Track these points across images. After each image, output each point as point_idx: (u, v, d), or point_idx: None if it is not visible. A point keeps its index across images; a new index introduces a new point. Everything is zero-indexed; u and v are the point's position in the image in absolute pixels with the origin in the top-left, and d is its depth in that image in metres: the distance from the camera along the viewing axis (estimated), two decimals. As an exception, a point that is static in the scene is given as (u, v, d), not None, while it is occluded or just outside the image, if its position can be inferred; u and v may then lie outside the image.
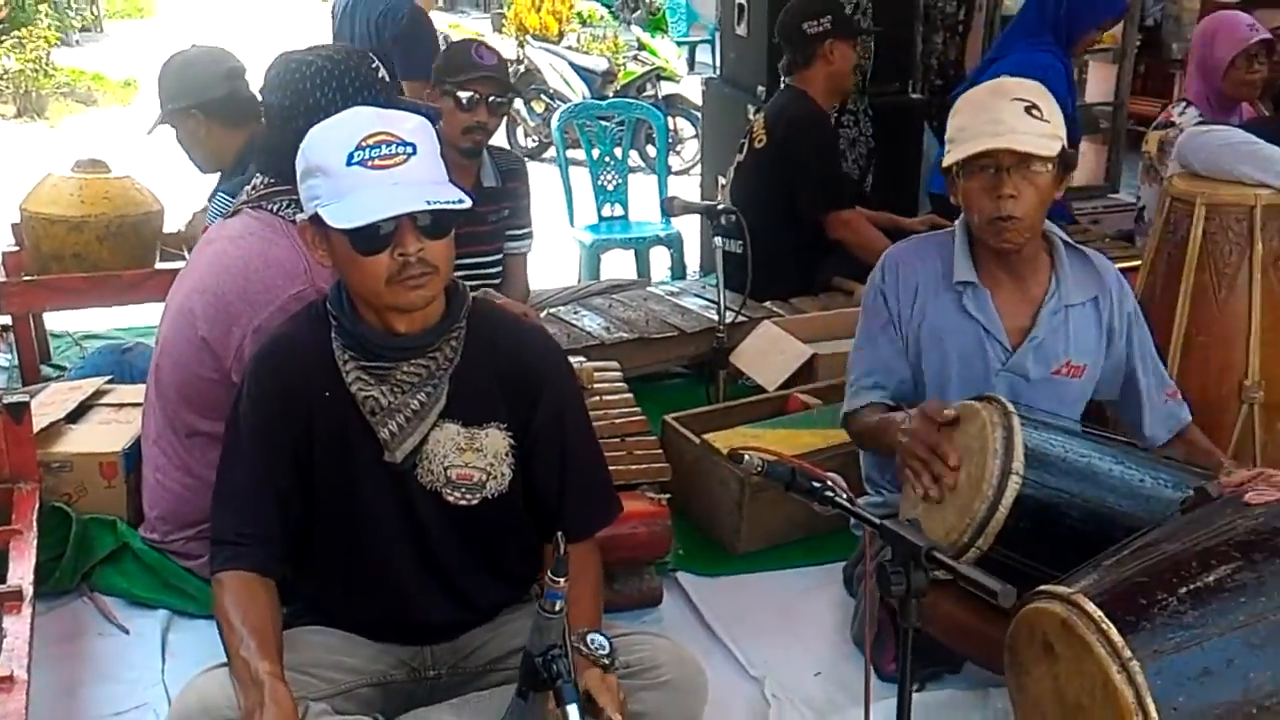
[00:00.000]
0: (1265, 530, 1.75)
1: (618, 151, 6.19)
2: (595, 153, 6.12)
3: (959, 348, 2.47)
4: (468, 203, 1.88)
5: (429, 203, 1.84)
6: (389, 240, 1.87)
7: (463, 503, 2.06)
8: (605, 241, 5.76)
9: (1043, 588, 1.78)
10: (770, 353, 3.55)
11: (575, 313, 3.74)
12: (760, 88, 5.01)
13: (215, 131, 3.31)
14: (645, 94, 10.19)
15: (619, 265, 5.97)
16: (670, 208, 3.60)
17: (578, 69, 10.57)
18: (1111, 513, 2.11)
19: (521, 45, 11.30)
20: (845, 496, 1.96)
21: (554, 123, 6.14)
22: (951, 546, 2.08)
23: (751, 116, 4.53)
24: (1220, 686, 1.63)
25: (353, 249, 1.89)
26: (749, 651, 2.56)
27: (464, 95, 3.51)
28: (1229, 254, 2.84)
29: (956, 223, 2.52)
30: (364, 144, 1.87)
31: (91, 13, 20.20)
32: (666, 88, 10.05)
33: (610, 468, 2.68)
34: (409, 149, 1.88)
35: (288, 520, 2.04)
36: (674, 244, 5.65)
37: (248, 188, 2.61)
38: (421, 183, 1.87)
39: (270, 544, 2.03)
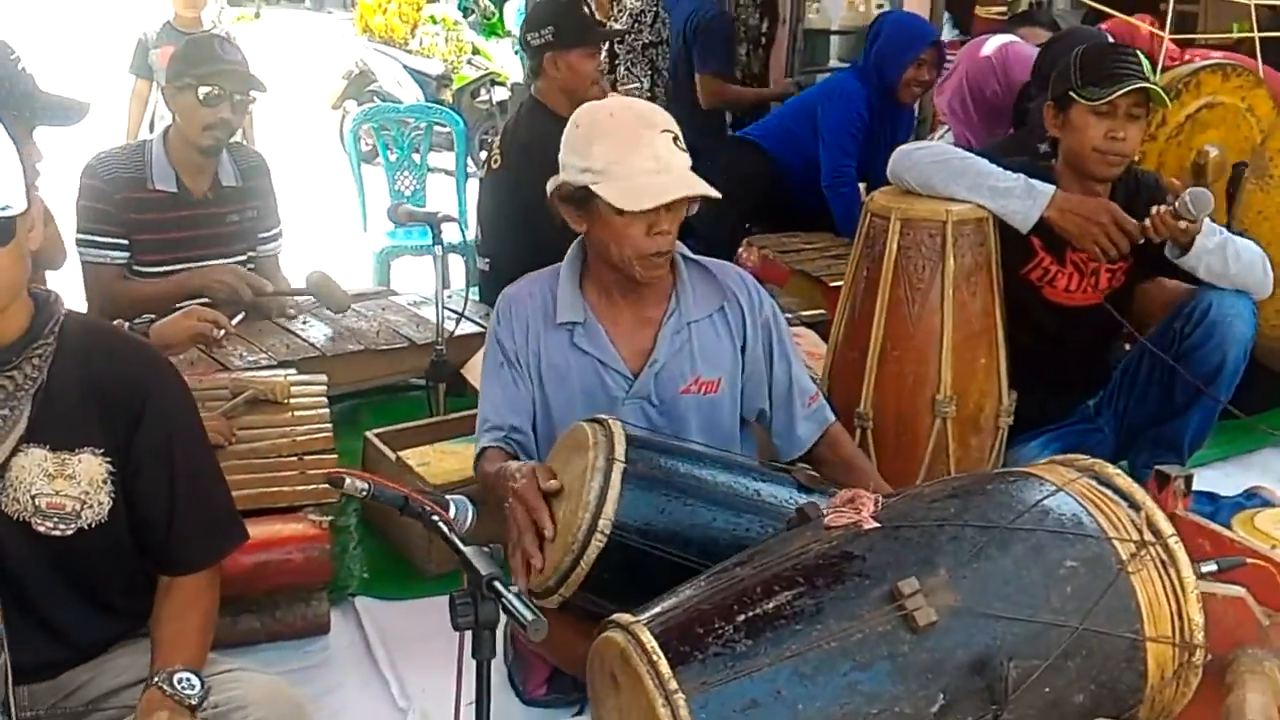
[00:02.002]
0: (834, 555, 1.71)
1: (416, 157, 6.09)
2: (393, 156, 6.01)
3: (580, 383, 2.42)
4: (15, 208, 1.75)
5: None
6: None
7: (55, 533, 1.91)
8: (396, 249, 5.63)
9: (613, 616, 1.71)
10: (498, 365, 3.46)
11: (304, 323, 3.60)
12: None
13: None
14: (480, 99, 10.10)
15: (414, 273, 5.85)
16: (395, 215, 3.49)
17: (412, 72, 10.41)
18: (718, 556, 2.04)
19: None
20: (448, 525, 1.89)
21: (347, 126, 6.01)
22: (541, 585, 2.05)
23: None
24: (767, 719, 1.57)
25: None
26: (407, 681, 2.46)
27: (205, 90, 3.36)
28: (922, 269, 2.84)
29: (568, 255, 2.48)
30: None
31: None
32: (500, 93, 9.95)
33: (277, 489, 2.62)
34: None
35: None
36: (469, 252, 5.53)
37: None
38: None
39: None
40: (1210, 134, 3.92)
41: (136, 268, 3.47)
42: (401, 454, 2.91)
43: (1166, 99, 3.05)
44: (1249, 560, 2.17)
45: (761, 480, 2.27)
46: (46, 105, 2.40)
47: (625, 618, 1.69)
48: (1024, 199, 2.87)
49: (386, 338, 3.57)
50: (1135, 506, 1.79)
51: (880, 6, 7.91)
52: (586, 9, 3.92)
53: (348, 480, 1.92)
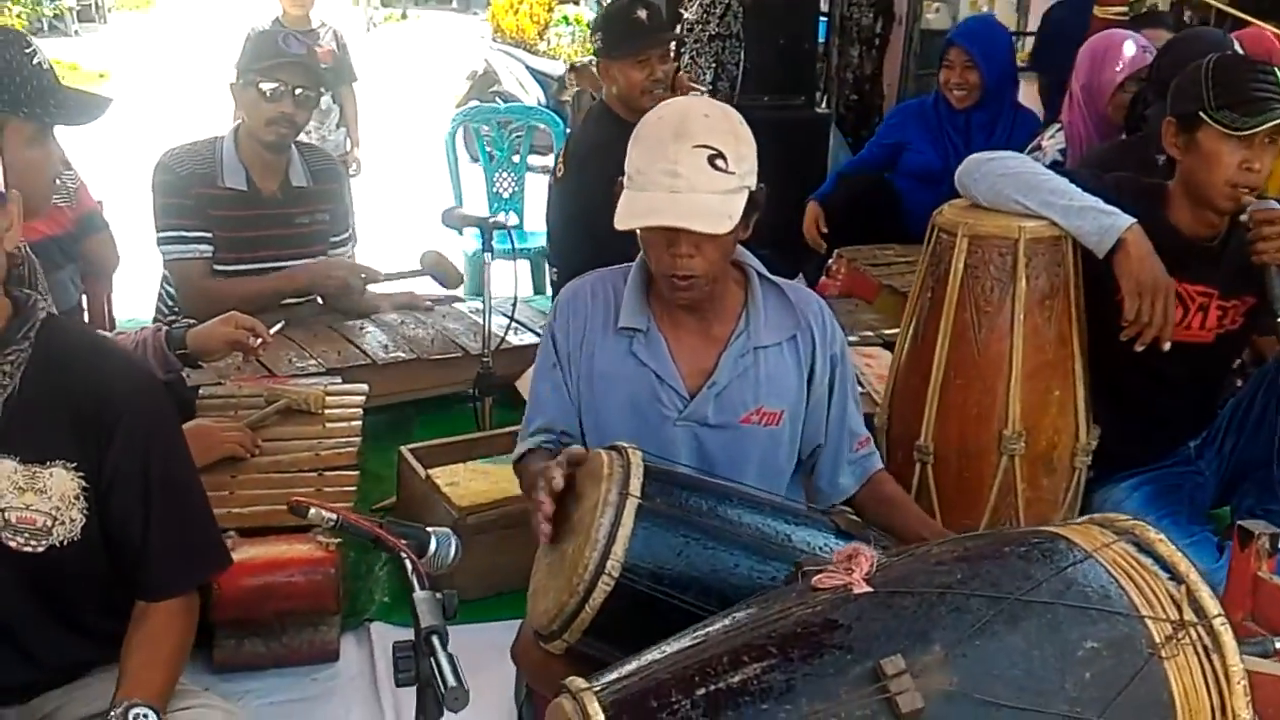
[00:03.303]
0: (815, 623, 1.50)
1: (516, 159, 6.01)
2: (492, 158, 5.95)
3: (631, 395, 2.22)
4: None
5: None
6: None
7: (26, 549, 1.83)
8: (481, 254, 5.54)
9: (568, 680, 1.54)
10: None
11: (360, 329, 3.52)
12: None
13: None
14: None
15: (508, 277, 5.76)
16: (450, 219, 3.38)
17: (535, 73, 10.41)
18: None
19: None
20: (415, 566, 1.76)
21: (447, 129, 5.96)
22: (545, 629, 1.89)
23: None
24: (719, 810, 1.39)
25: None
26: (408, 716, 2.33)
27: (268, 86, 3.34)
28: (991, 291, 2.59)
29: (639, 257, 2.28)
30: None
31: (96, 4, 20.51)
32: (620, 93, 9.85)
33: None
34: None
35: None
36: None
37: None
38: None
39: None
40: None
41: (215, 266, 3.44)
42: (432, 472, 2.79)
43: None
44: (1334, 637, 1.90)
45: (794, 524, 2.07)
46: (64, 102, 2.33)
47: (578, 683, 1.51)
48: (1097, 223, 2.58)
49: (441, 347, 3.47)
50: (1177, 579, 1.54)
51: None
52: (641, 14, 3.72)
53: (312, 510, 1.81)
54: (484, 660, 2.43)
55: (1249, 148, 2.57)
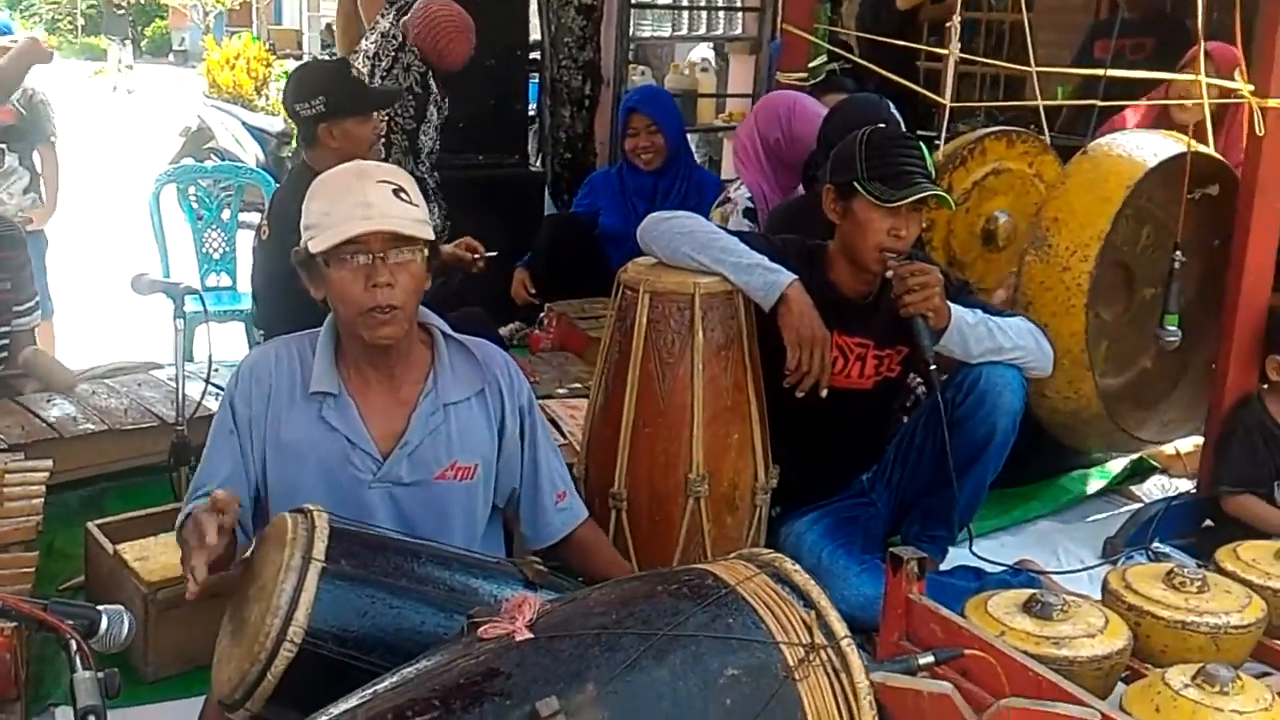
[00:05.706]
0: (477, 673, 1.57)
1: (226, 216, 5.89)
2: (200, 218, 5.80)
3: (322, 461, 2.26)
4: None
5: None
6: None
7: None
8: (196, 315, 5.38)
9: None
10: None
11: (48, 401, 3.38)
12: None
13: None
14: (322, 157, 9.90)
15: (221, 341, 5.62)
16: (138, 286, 3.29)
17: (252, 130, 10.20)
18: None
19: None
20: (79, 645, 1.72)
21: (151, 188, 5.77)
22: (229, 699, 1.89)
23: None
24: None
25: None
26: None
27: None
28: (672, 343, 2.74)
29: (325, 324, 2.32)
30: None
31: None
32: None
33: (-41, 590, 2.40)
34: None
35: None
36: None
37: None
38: None
39: None
40: (998, 200, 3.92)
41: None
42: (121, 547, 2.71)
43: (953, 204, 3.08)
44: (968, 651, 2.10)
45: (482, 577, 2.14)
46: None
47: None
48: (763, 279, 2.78)
49: (135, 416, 3.37)
50: (809, 605, 1.69)
51: (705, 70, 7.97)
52: (355, 73, 3.78)
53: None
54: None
55: (896, 216, 2.83)
